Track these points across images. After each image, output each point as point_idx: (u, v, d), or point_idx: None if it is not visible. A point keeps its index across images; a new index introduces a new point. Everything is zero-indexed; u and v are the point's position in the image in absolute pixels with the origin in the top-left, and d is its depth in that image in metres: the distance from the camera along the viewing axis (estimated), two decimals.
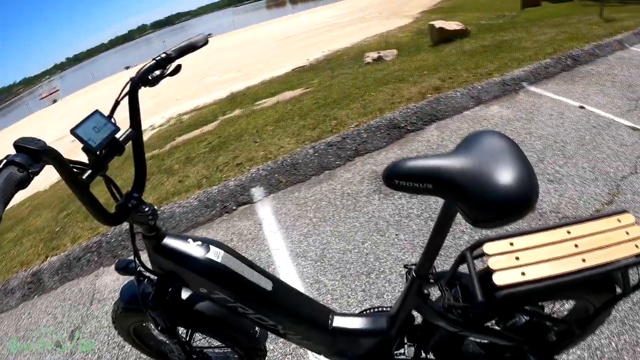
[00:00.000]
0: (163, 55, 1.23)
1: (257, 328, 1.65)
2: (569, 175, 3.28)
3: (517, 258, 1.23)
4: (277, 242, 3.02)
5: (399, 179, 1.05)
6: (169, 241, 1.26)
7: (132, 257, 1.38)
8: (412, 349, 1.63)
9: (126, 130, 1.12)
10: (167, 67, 1.24)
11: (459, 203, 1.06)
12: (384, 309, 1.63)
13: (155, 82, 1.21)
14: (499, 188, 1.01)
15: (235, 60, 20.92)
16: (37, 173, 0.79)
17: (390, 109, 4.60)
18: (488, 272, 1.23)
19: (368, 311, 1.66)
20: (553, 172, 3.33)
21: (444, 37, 9.40)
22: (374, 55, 9.51)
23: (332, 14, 36.11)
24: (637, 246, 1.21)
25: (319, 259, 2.78)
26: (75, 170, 0.95)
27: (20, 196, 8.25)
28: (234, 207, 3.51)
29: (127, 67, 58.15)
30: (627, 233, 1.26)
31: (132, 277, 1.41)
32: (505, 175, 1.03)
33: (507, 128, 4.18)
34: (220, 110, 8.38)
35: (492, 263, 1.23)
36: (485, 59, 6.31)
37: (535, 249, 1.25)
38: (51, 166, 0.85)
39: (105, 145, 1.00)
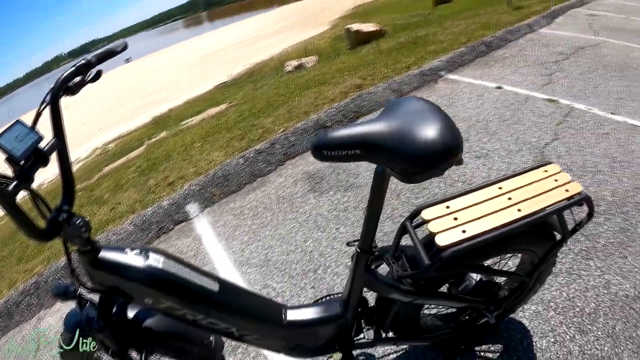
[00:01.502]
0: (83, 61, 1.18)
1: (211, 338, 1.57)
2: (494, 150, 3.46)
3: (455, 219, 1.28)
4: (219, 254, 2.96)
5: (327, 149, 1.06)
6: (105, 254, 1.18)
7: (67, 284, 1.29)
8: (371, 331, 1.63)
9: (50, 140, 1.06)
10: (88, 74, 1.19)
11: (389, 163, 1.09)
12: (336, 295, 1.62)
13: (77, 90, 1.16)
14: (422, 142, 1.05)
15: (157, 82, 20.56)
16: None
17: (315, 111, 4.65)
18: (431, 238, 1.27)
19: (320, 300, 1.64)
20: (479, 148, 3.49)
21: (361, 39, 9.62)
22: (295, 63, 9.60)
23: (250, 28, 36.25)
24: (567, 190, 1.30)
25: (263, 264, 2.75)
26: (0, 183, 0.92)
27: None
28: (171, 227, 3.42)
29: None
30: (556, 180, 1.35)
31: (73, 304, 1.34)
32: (427, 130, 1.06)
33: None
34: (146, 134, 8.19)
35: (432, 227, 1.27)
36: (402, 55, 6.52)
37: (471, 208, 1.31)
38: None
39: (29, 155, 0.96)
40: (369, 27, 10.02)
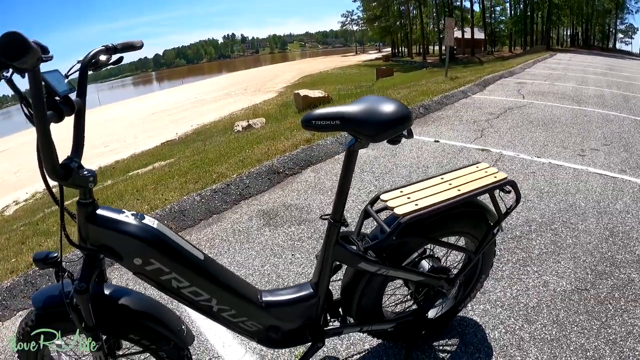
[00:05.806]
0: (109, 45, 1.40)
1: (183, 326, 1.59)
2: None
3: (408, 197, 1.64)
4: None
5: (315, 120, 1.38)
6: (103, 211, 1.27)
7: (49, 250, 1.32)
8: (338, 323, 1.85)
9: (75, 99, 1.22)
10: (112, 57, 1.40)
11: (360, 129, 1.41)
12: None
13: (100, 67, 1.37)
14: (382, 113, 1.42)
15: (102, 136, 20.09)
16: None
17: (268, 159, 4.87)
18: (391, 217, 1.62)
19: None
20: None
21: (308, 104, 10.15)
22: (244, 124, 9.86)
23: (199, 91, 36.69)
24: (495, 177, 1.72)
25: None
26: None
27: None
28: None
29: None
30: (486, 172, 1.78)
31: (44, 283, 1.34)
32: (386, 108, 1.44)
33: (375, 163, 4.72)
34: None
35: (390, 203, 1.62)
36: None
37: (420, 191, 1.69)
38: None
39: (62, 97, 1.12)
40: (315, 93, 10.64)
